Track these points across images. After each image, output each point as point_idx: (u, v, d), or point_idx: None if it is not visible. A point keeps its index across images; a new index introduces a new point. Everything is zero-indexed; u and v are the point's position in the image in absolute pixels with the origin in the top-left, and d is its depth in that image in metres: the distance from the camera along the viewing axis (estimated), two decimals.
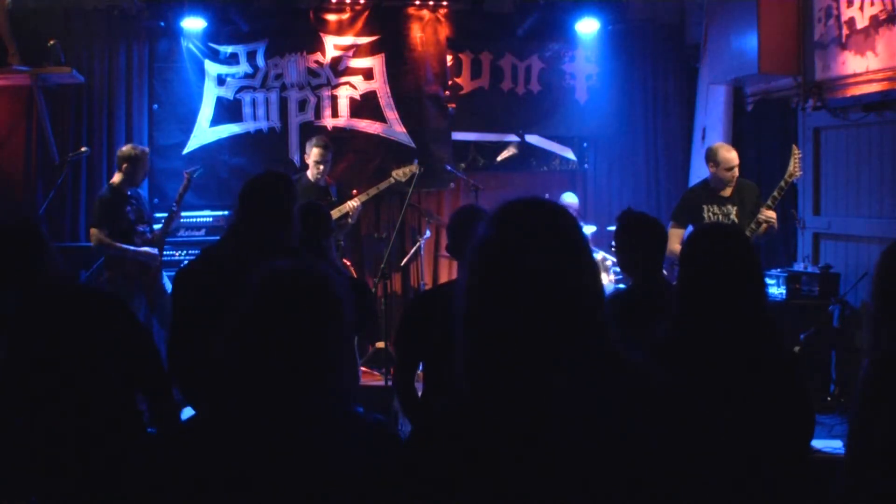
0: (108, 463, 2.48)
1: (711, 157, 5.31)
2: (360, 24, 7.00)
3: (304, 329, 1.58)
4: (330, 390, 1.60)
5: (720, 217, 5.24)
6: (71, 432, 2.49)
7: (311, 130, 6.84)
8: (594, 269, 1.41)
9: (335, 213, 5.71)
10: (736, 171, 5.24)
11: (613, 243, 3.39)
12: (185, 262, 5.40)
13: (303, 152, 6.25)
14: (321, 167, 5.91)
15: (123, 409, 2.65)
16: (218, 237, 5.99)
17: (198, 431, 1.65)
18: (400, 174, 6.09)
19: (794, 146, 5.32)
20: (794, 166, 5.14)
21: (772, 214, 5.11)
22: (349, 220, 5.98)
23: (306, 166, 6.04)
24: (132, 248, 5.59)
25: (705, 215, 5.25)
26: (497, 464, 1.31)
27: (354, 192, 6.26)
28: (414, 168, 6.06)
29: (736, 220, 5.21)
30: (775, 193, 5.18)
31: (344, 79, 7.01)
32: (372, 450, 1.61)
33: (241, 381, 1.59)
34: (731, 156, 5.23)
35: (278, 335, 1.57)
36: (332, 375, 1.61)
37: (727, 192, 5.29)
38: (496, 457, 1.31)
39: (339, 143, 6.83)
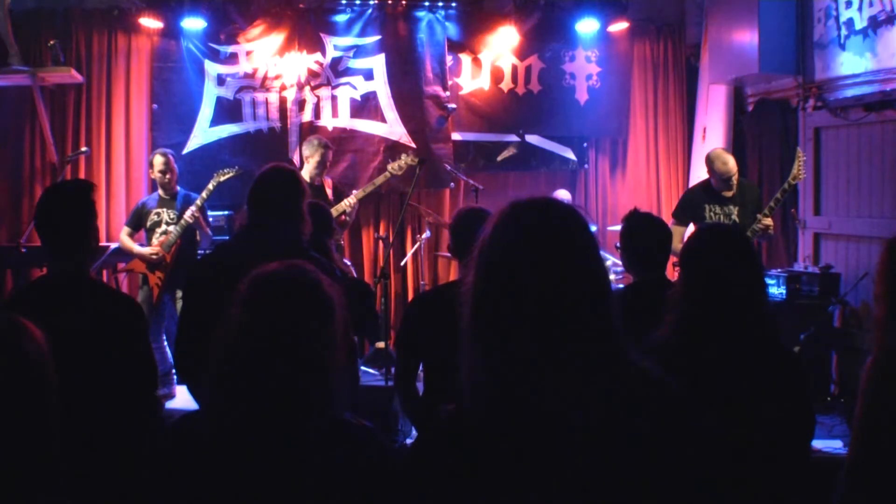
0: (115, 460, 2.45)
1: (708, 164, 5.31)
2: (360, 24, 7.00)
3: (292, 331, 1.55)
4: (320, 392, 1.57)
5: (722, 217, 5.24)
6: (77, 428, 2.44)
7: (310, 130, 6.83)
8: (602, 270, 1.35)
9: (332, 212, 5.69)
10: (732, 181, 5.22)
11: (618, 243, 3.39)
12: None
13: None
14: (320, 170, 5.91)
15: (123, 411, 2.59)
16: (217, 237, 6.01)
17: (191, 429, 1.65)
18: (395, 167, 6.07)
19: (798, 150, 5.31)
20: (798, 169, 5.13)
21: (769, 222, 5.12)
22: (347, 218, 5.97)
23: (303, 166, 6.02)
24: None
25: (707, 215, 5.26)
26: (502, 472, 1.29)
27: (354, 192, 6.25)
28: (409, 160, 6.03)
29: (737, 220, 5.21)
30: (778, 195, 5.17)
31: (344, 79, 7.00)
32: (359, 457, 1.58)
33: (232, 383, 1.58)
34: (726, 168, 5.20)
35: (267, 337, 1.55)
36: (322, 377, 1.57)
37: (729, 192, 5.29)
38: (501, 465, 1.29)
39: (339, 143, 6.83)
